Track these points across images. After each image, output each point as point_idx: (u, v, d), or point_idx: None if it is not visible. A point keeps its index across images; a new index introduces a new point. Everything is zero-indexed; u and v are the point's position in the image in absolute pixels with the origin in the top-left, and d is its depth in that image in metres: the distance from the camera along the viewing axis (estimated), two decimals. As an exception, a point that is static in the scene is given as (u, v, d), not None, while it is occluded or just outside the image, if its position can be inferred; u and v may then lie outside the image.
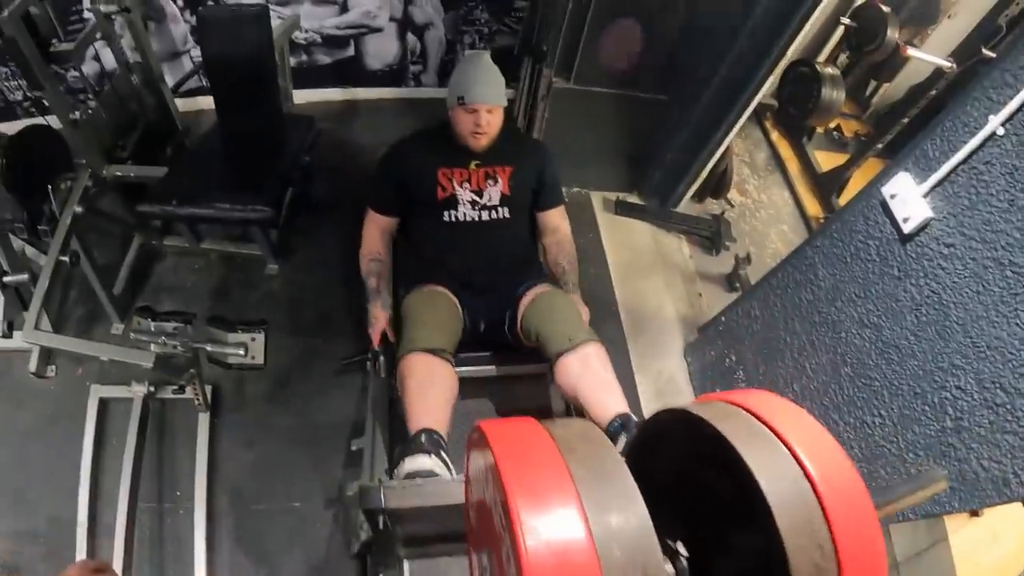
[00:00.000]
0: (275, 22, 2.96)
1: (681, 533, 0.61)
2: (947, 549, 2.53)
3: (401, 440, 2.06)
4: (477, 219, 2.37)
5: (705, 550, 0.59)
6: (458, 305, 2.27)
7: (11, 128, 2.52)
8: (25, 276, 2.45)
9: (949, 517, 2.38)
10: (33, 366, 2.65)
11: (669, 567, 0.58)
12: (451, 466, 1.76)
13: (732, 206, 3.90)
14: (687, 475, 0.64)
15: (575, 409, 2.13)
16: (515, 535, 0.48)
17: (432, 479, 1.65)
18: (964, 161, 1.59)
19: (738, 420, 0.57)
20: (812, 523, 0.51)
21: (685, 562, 0.58)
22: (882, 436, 1.89)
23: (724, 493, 0.55)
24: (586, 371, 2.01)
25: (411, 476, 1.67)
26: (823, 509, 0.51)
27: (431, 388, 1.95)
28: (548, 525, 0.48)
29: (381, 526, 1.55)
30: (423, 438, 1.80)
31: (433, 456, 1.74)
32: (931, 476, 0.87)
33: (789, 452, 0.54)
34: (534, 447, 0.56)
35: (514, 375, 2.42)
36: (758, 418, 0.57)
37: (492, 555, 0.58)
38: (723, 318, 2.80)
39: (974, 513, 2.56)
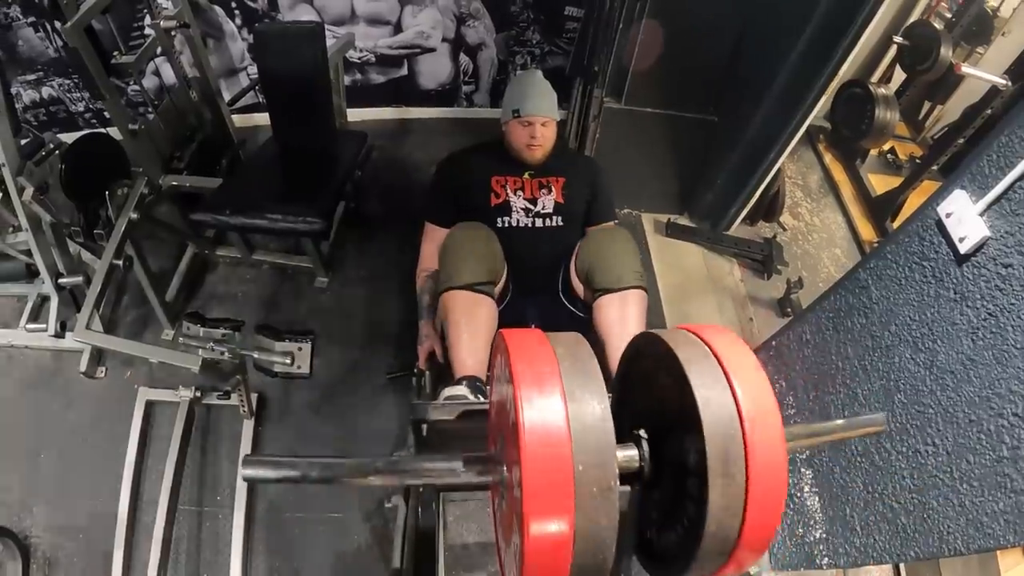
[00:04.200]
0: (330, 41, 3.01)
1: (645, 423, 0.76)
2: (998, 587, 2.41)
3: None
4: (530, 225, 2.36)
5: (661, 438, 0.74)
6: (499, 244, 2.17)
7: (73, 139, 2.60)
8: (80, 278, 2.51)
9: (1002, 553, 2.26)
10: (83, 366, 2.71)
11: (633, 448, 0.74)
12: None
13: (784, 229, 3.83)
14: (652, 383, 0.79)
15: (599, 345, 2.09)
16: (516, 407, 0.63)
17: (468, 401, 1.75)
18: (1021, 177, 1.53)
19: (690, 344, 0.72)
20: (729, 426, 0.64)
21: (646, 444, 0.74)
22: (935, 466, 1.80)
23: (674, 397, 0.69)
24: (621, 317, 1.99)
25: (450, 399, 1.75)
26: (740, 418, 0.65)
27: (473, 331, 1.93)
28: (540, 402, 0.64)
29: (424, 435, 1.66)
30: (465, 383, 1.83)
31: (471, 392, 1.80)
32: (871, 418, 0.95)
33: (724, 373, 0.68)
34: (536, 348, 0.71)
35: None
36: (708, 345, 0.71)
37: (503, 432, 0.73)
38: (773, 343, 2.72)
39: (1029, 549, 2.44)
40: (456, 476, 0.78)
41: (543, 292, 2.32)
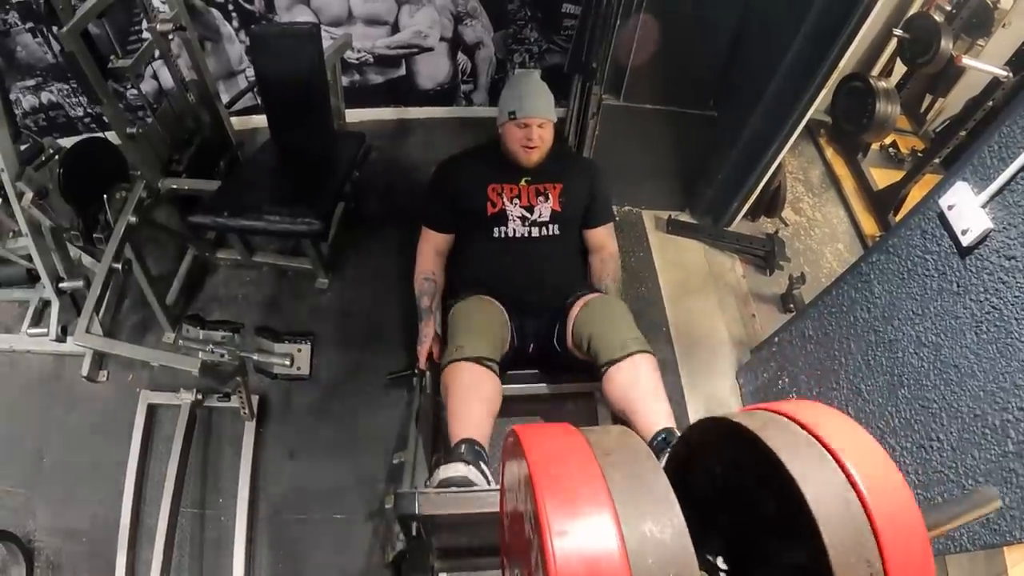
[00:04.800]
0: (327, 42, 3.01)
1: (721, 547, 0.58)
2: (1006, 583, 2.38)
3: (443, 451, 2.07)
4: (527, 235, 2.36)
5: (746, 564, 0.56)
6: (506, 316, 2.23)
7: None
8: (80, 283, 2.51)
9: (1009, 549, 2.25)
10: (85, 370, 2.71)
11: None
12: (491, 478, 1.73)
13: (786, 225, 3.81)
14: (728, 486, 0.61)
15: (622, 423, 2.04)
16: (544, 540, 0.46)
17: (467, 488, 1.62)
18: (1023, 168, 1.52)
19: (782, 429, 0.54)
20: (860, 537, 0.47)
21: None
22: (940, 461, 1.79)
23: (767, 505, 0.52)
24: (635, 382, 1.95)
25: (445, 483, 1.65)
26: (871, 523, 0.48)
27: (475, 399, 1.92)
28: (579, 530, 0.46)
29: (415, 533, 1.54)
30: (463, 448, 1.77)
31: (471, 467, 1.71)
32: (984, 494, 0.78)
33: (836, 462, 0.50)
34: (568, 451, 0.54)
35: (561, 394, 2.39)
36: (804, 427, 0.53)
37: (524, 565, 0.56)
38: (776, 339, 2.72)
39: (1036, 545, 2.41)
40: None
41: (542, 307, 2.33)
